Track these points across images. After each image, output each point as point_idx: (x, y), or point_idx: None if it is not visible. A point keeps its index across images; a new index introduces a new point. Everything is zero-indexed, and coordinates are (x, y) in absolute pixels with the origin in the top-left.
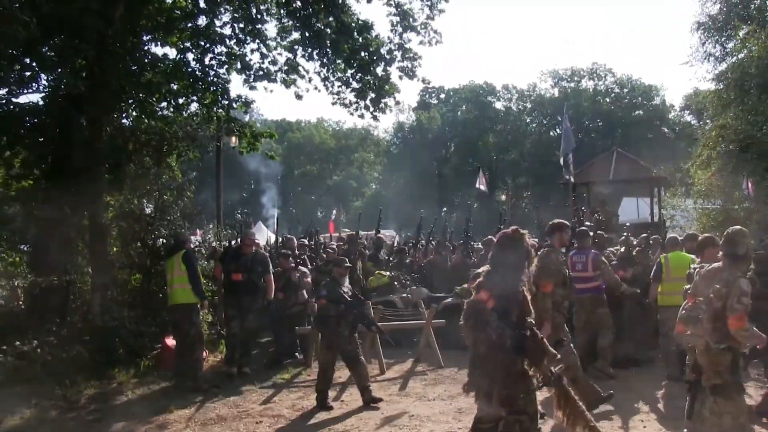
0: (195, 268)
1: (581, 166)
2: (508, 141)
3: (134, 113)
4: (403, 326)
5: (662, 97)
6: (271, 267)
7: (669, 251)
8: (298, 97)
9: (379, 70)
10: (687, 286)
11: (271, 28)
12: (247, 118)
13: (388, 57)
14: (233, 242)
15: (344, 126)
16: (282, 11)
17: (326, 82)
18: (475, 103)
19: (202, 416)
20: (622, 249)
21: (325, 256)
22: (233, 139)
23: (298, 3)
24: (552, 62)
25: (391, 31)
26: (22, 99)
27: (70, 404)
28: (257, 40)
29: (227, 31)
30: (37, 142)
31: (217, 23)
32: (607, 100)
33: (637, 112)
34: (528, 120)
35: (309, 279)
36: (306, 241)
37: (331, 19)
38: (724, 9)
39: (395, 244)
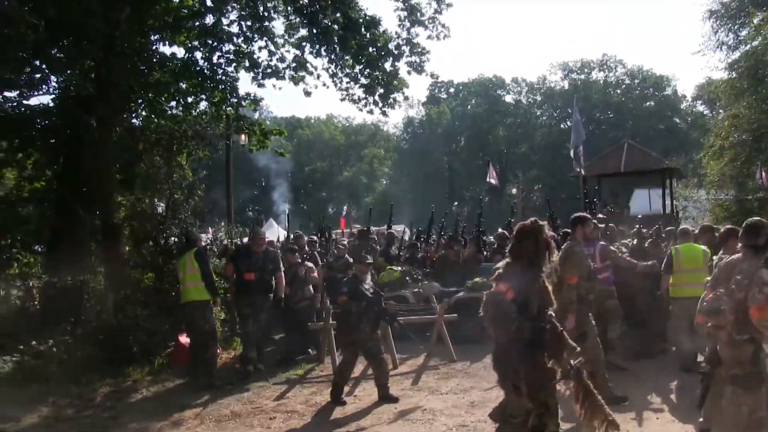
0: (207, 265)
1: (592, 159)
2: (518, 134)
3: (144, 113)
4: (415, 321)
5: (674, 87)
6: (281, 265)
7: (680, 242)
8: (307, 93)
9: (387, 66)
10: (708, 278)
11: (278, 26)
12: (256, 115)
13: (396, 52)
14: (245, 239)
15: (354, 122)
16: (289, 8)
17: (335, 79)
18: (485, 96)
19: (216, 412)
20: (635, 241)
21: (336, 252)
22: (243, 137)
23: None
24: (562, 54)
25: (399, 26)
26: (33, 101)
27: (85, 402)
28: (265, 38)
29: (235, 29)
30: (48, 143)
31: (225, 21)
32: (618, 91)
33: (648, 103)
34: (538, 113)
35: (315, 274)
36: (315, 238)
37: (338, 15)
38: None
39: (407, 239)
